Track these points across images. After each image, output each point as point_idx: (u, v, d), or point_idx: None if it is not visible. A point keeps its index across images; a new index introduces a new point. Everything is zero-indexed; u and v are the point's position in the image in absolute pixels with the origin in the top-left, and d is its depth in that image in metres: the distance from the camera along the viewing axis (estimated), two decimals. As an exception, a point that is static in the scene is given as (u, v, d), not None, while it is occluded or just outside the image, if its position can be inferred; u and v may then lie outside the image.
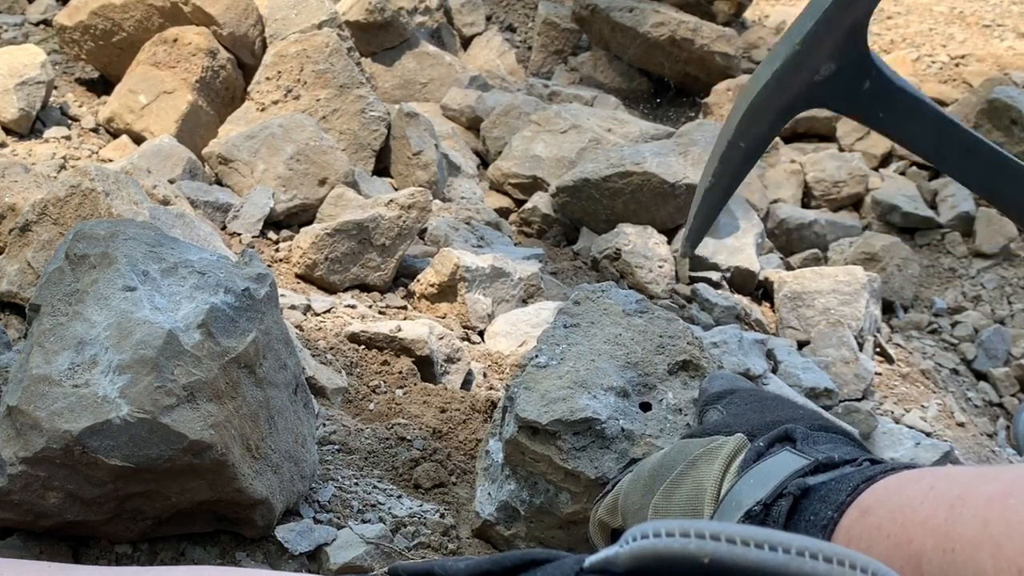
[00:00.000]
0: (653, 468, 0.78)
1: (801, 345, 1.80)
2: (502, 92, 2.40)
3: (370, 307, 1.50)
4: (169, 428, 0.80)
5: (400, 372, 1.30)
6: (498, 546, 1.02)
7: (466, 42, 2.79)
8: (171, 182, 1.61)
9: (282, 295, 1.38)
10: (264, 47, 1.98)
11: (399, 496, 1.05)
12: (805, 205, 2.46)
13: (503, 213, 2.00)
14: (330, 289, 1.52)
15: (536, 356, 0.99)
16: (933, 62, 3.26)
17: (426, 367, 1.33)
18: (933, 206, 2.48)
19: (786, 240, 2.22)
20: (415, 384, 1.29)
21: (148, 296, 0.84)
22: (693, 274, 1.89)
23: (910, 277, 2.18)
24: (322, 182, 1.69)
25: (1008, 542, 0.44)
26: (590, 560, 0.39)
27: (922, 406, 1.77)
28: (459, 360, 1.36)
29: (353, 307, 1.47)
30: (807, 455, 0.65)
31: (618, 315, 1.03)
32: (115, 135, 1.86)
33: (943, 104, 3.01)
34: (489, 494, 1.02)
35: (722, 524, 0.37)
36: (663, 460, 0.78)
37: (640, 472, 0.80)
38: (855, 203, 2.49)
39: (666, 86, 2.83)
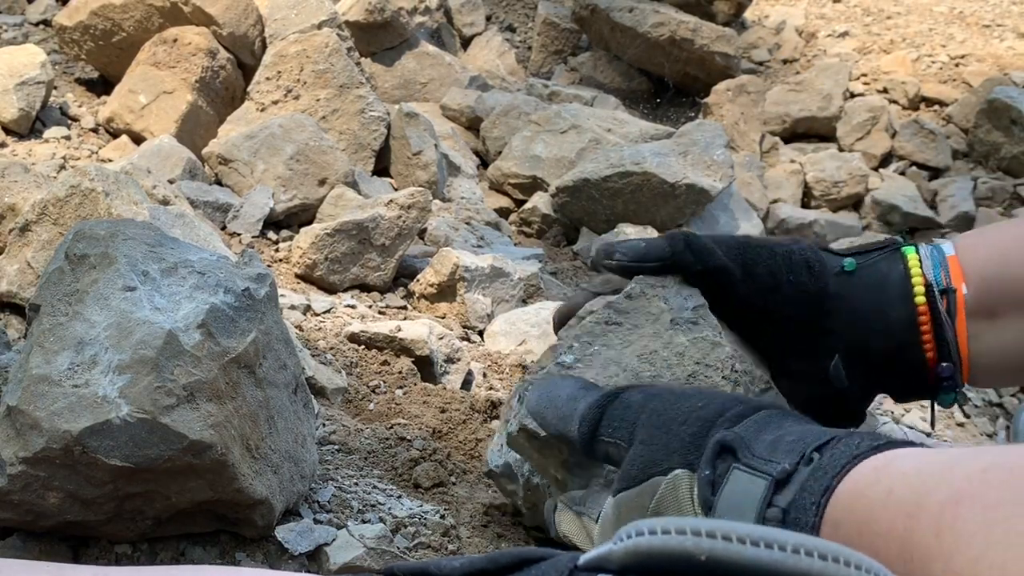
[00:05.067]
0: (606, 522, 0.72)
1: (801, 345, 1.80)
2: (502, 92, 2.40)
3: (370, 307, 1.50)
4: (169, 428, 0.80)
5: (400, 372, 1.30)
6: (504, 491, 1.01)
7: (466, 42, 2.79)
8: (171, 182, 1.61)
9: (282, 295, 1.38)
10: (264, 47, 1.98)
11: (399, 496, 1.05)
12: (805, 205, 2.46)
13: (503, 213, 2.00)
14: (330, 289, 1.52)
15: (564, 353, 0.91)
16: (933, 62, 3.26)
17: (426, 367, 1.33)
18: (933, 206, 2.48)
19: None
20: (415, 384, 1.29)
21: (148, 296, 0.84)
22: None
23: (910, 277, 2.18)
24: (322, 182, 1.69)
25: (956, 555, 0.43)
26: (584, 558, 0.40)
27: (922, 406, 1.77)
28: (459, 360, 1.36)
29: (353, 307, 1.47)
30: (755, 469, 0.60)
31: (664, 324, 0.91)
32: (115, 135, 1.86)
33: (943, 105, 3.01)
34: (500, 446, 0.98)
35: (718, 521, 0.37)
36: (610, 518, 0.71)
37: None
38: (855, 203, 2.49)
39: (666, 86, 2.83)
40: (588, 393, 0.76)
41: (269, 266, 1.46)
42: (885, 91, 3.08)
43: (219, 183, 1.73)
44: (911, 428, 1.67)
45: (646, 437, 0.68)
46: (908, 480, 0.50)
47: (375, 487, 1.05)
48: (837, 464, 0.56)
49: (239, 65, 1.96)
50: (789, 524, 0.57)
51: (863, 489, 0.53)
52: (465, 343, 1.45)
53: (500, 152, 2.13)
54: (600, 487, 0.83)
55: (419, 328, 1.36)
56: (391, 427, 1.18)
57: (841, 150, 2.68)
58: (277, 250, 1.59)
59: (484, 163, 2.19)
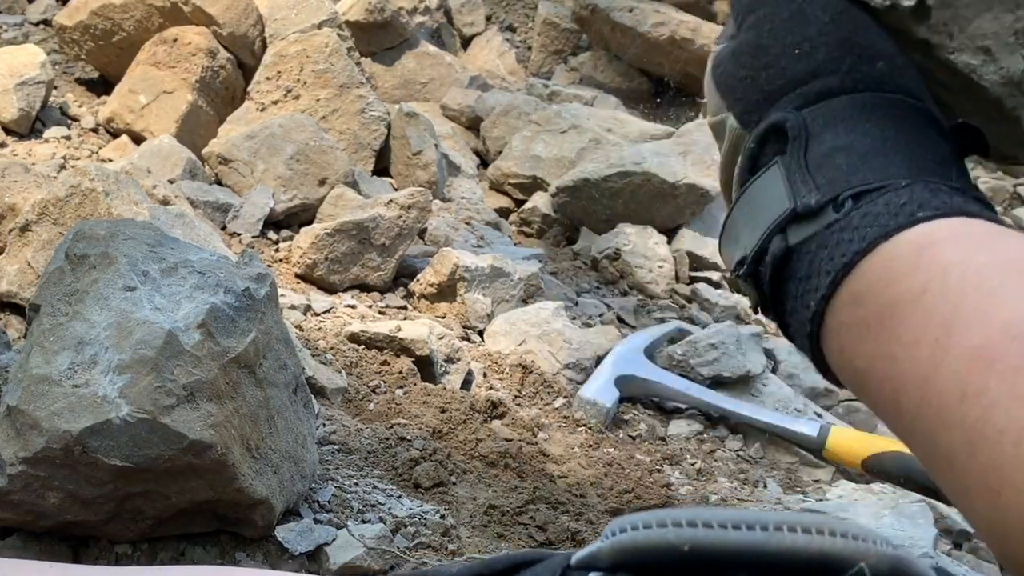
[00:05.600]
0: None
1: (801, 345, 1.80)
2: (502, 92, 2.40)
3: (370, 307, 1.50)
4: (169, 428, 0.80)
5: (400, 372, 1.30)
6: None
7: (466, 42, 2.79)
8: (171, 182, 1.61)
9: (282, 295, 1.38)
10: (264, 47, 1.98)
11: (399, 496, 1.05)
12: (805, 205, 2.46)
13: (503, 213, 2.00)
14: (330, 289, 1.52)
15: None
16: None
17: (426, 367, 1.33)
18: (933, 206, 2.48)
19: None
20: (415, 384, 1.29)
21: (148, 296, 0.84)
22: (693, 274, 1.89)
23: (910, 277, 2.18)
24: (322, 182, 1.69)
25: (981, 442, 0.39)
26: (575, 557, 0.40)
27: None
28: (459, 360, 1.36)
29: (353, 307, 1.47)
30: (792, 181, 0.51)
31: None
32: (115, 135, 1.86)
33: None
34: None
35: (697, 510, 0.37)
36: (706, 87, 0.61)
37: None
38: (855, 203, 2.49)
39: (666, 86, 2.83)
40: None
41: (269, 266, 1.46)
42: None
43: (219, 183, 1.73)
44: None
45: (738, 50, 0.57)
46: (947, 285, 0.43)
47: (375, 487, 1.05)
48: (866, 232, 0.47)
49: (239, 65, 1.96)
50: (793, 266, 0.50)
51: (896, 273, 0.45)
52: (465, 343, 1.45)
53: (500, 152, 2.13)
54: None
55: (419, 328, 1.36)
56: (391, 427, 1.18)
57: (841, 150, 2.68)
58: (277, 250, 1.59)
59: (484, 163, 2.19)
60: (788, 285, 0.51)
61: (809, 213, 0.50)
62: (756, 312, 0.56)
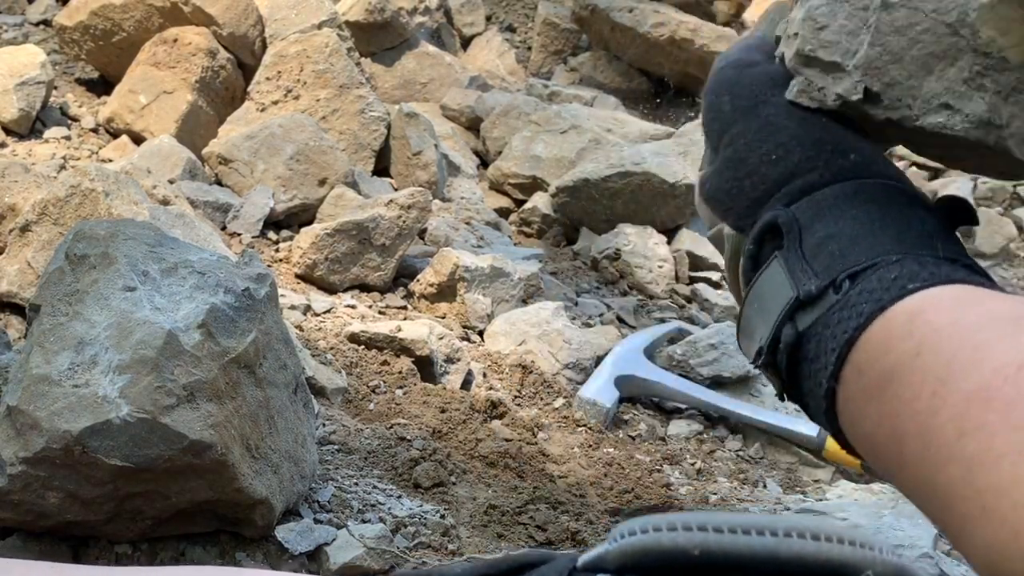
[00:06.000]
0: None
1: (801, 345, 1.80)
2: (502, 92, 2.40)
3: (370, 307, 1.50)
4: (169, 428, 0.80)
5: (400, 372, 1.30)
6: None
7: (466, 42, 2.80)
8: (171, 182, 1.61)
9: (282, 295, 1.38)
10: (264, 47, 1.98)
11: (399, 496, 1.05)
12: (805, 205, 2.46)
13: (503, 213, 2.00)
14: (330, 289, 1.53)
15: None
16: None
17: (426, 367, 1.33)
18: (933, 206, 2.48)
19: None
20: (415, 384, 1.29)
21: (148, 296, 0.84)
22: (693, 274, 1.89)
23: (910, 277, 2.18)
24: (322, 182, 1.69)
25: (977, 471, 0.41)
26: (582, 559, 0.40)
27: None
28: (459, 360, 1.37)
29: (353, 307, 1.47)
30: (792, 272, 0.54)
31: None
32: (115, 135, 1.86)
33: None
34: None
35: (706, 514, 0.37)
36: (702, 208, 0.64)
37: None
38: (855, 203, 2.49)
39: (666, 86, 2.83)
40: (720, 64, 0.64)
41: (269, 266, 1.46)
42: (885, 91, 3.07)
43: (219, 183, 1.73)
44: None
45: (718, 169, 0.60)
46: (939, 344, 0.46)
47: (375, 487, 1.05)
48: (863, 308, 0.50)
49: (239, 65, 1.96)
50: (804, 351, 0.53)
51: (892, 341, 0.48)
52: (465, 343, 1.45)
53: (500, 152, 2.13)
54: None
55: (419, 328, 1.36)
56: (391, 427, 1.18)
57: (841, 150, 2.68)
58: (277, 250, 1.59)
59: (484, 163, 2.19)
60: (802, 368, 0.55)
61: (811, 299, 0.53)
62: (782, 399, 0.60)
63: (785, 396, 0.59)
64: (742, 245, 0.60)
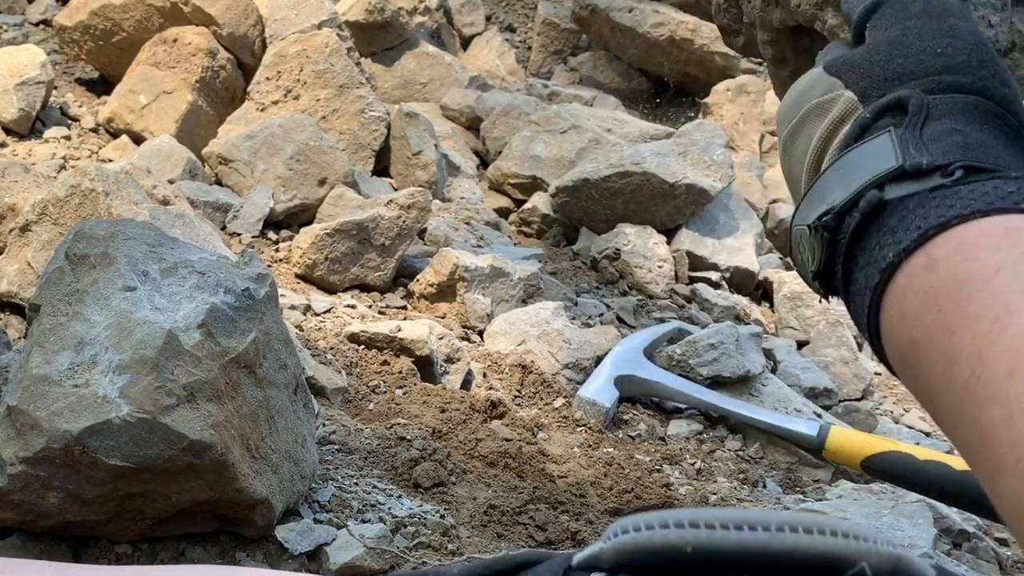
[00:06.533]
0: (796, 88, 0.66)
1: (800, 345, 1.80)
2: (502, 92, 2.40)
3: (370, 307, 1.50)
4: (169, 428, 0.80)
5: (400, 372, 1.30)
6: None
7: (466, 42, 2.79)
8: (171, 182, 1.61)
9: (282, 295, 1.38)
10: (264, 47, 1.98)
11: (399, 496, 1.05)
12: (805, 205, 2.45)
13: (503, 213, 2.00)
14: (330, 289, 1.53)
15: None
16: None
17: (426, 367, 1.33)
18: (933, 206, 2.48)
19: (786, 240, 2.22)
20: (415, 384, 1.29)
21: (148, 296, 0.84)
22: (693, 274, 1.89)
23: (910, 277, 2.18)
24: (322, 182, 1.69)
25: (1021, 417, 0.39)
26: (577, 558, 0.40)
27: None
28: (459, 360, 1.37)
29: (353, 307, 1.47)
30: (904, 145, 0.52)
31: None
32: (115, 135, 1.86)
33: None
34: None
35: (699, 510, 0.37)
36: (801, 85, 0.65)
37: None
38: (855, 203, 2.48)
39: (666, 86, 2.83)
40: None
41: (269, 266, 1.46)
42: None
43: (219, 183, 1.73)
44: (910, 428, 1.67)
45: (872, 45, 0.59)
46: (1020, 271, 0.43)
47: (375, 487, 1.05)
48: (969, 203, 0.48)
49: (239, 65, 1.96)
50: (881, 219, 0.51)
51: (979, 249, 0.46)
52: (465, 343, 1.45)
53: (500, 152, 2.13)
54: None
55: (419, 328, 1.36)
56: (391, 427, 1.18)
57: (841, 150, 2.67)
58: (277, 250, 1.59)
59: (484, 163, 2.19)
60: (869, 238, 0.52)
61: (918, 172, 0.50)
62: (813, 279, 0.57)
63: (815, 276, 0.56)
64: (855, 113, 0.57)
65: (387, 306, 1.52)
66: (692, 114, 2.78)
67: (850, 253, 0.53)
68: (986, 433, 0.41)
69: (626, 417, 1.41)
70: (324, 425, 1.14)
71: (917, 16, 0.59)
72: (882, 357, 0.52)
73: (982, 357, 0.42)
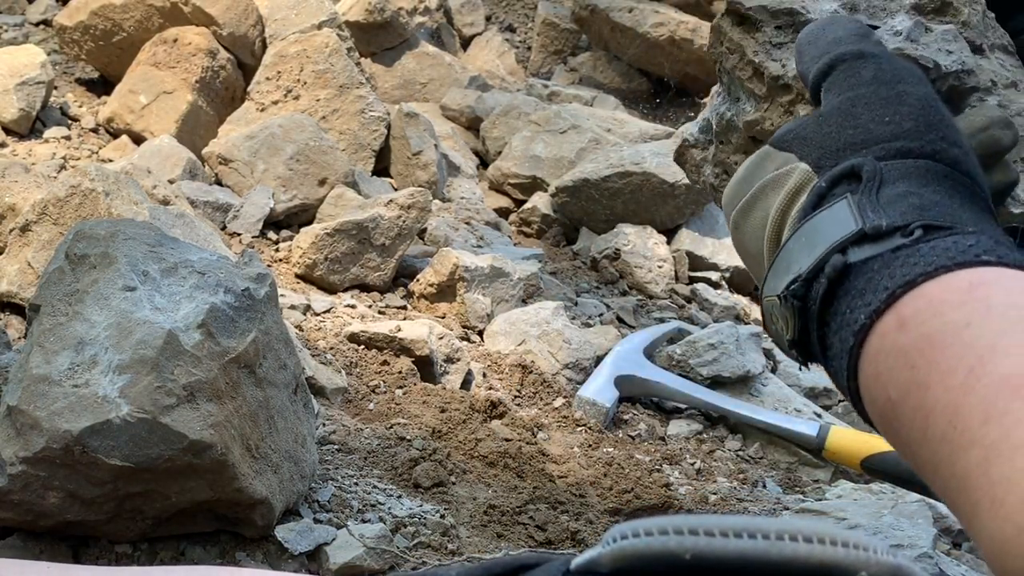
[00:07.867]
0: (745, 168, 0.67)
1: (801, 345, 1.80)
2: (502, 92, 2.40)
3: (370, 307, 1.50)
4: (169, 428, 0.80)
5: (400, 372, 1.30)
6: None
7: (466, 42, 2.79)
8: (171, 182, 1.61)
9: (282, 295, 1.38)
10: (264, 47, 1.98)
11: (399, 496, 1.05)
12: (805, 205, 2.45)
13: (503, 213, 2.00)
14: (330, 289, 1.53)
15: None
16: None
17: (426, 367, 1.34)
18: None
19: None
20: (415, 384, 1.29)
21: (148, 296, 0.84)
22: (693, 274, 1.89)
23: (910, 277, 2.18)
24: (322, 182, 1.69)
25: (995, 460, 0.40)
26: (576, 562, 0.40)
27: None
28: (459, 360, 1.37)
29: (353, 307, 1.47)
30: (862, 209, 0.53)
31: None
32: (115, 135, 1.86)
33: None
34: (703, 117, 0.97)
35: (699, 517, 0.37)
36: (750, 165, 0.66)
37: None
38: (855, 203, 2.49)
39: (666, 86, 2.83)
40: (852, 40, 0.65)
41: (269, 266, 1.46)
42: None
43: (219, 183, 1.73)
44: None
45: (823, 115, 0.61)
46: (990, 322, 0.44)
47: (375, 487, 1.05)
48: (932, 260, 0.49)
49: (239, 65, 1.96)
50: (848, 283, 0.52)
51: (946, 305, 0.47)
52: (465, 343, 1.45)
53: (500, 152, 2.13)
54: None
55: (419, 328, 1.36)
56: (391, 427, 1.18)
57: (841, 150, 2.67)
58: (277, 250, 1.59)
59: (484, 163, 2.19)
60: (839, 302, 0.53)
61: (878, 235, 0.52)
62: (790, 348, 0.58)
63: (793, 345, 0.57)
64: (810, 184, 0.58)
65: (387, 306, 1.52)
66: (692, 114, 2.78)
67: (822, 319, 0.54)
68: (963, 479, 0.42)
69: (626, 417, 1.41)
70: (324, 425, 1.14)
71: (867, 83, 0.60)
72: (865, 417, 0.53)
73: (958, 408, 0.43)
